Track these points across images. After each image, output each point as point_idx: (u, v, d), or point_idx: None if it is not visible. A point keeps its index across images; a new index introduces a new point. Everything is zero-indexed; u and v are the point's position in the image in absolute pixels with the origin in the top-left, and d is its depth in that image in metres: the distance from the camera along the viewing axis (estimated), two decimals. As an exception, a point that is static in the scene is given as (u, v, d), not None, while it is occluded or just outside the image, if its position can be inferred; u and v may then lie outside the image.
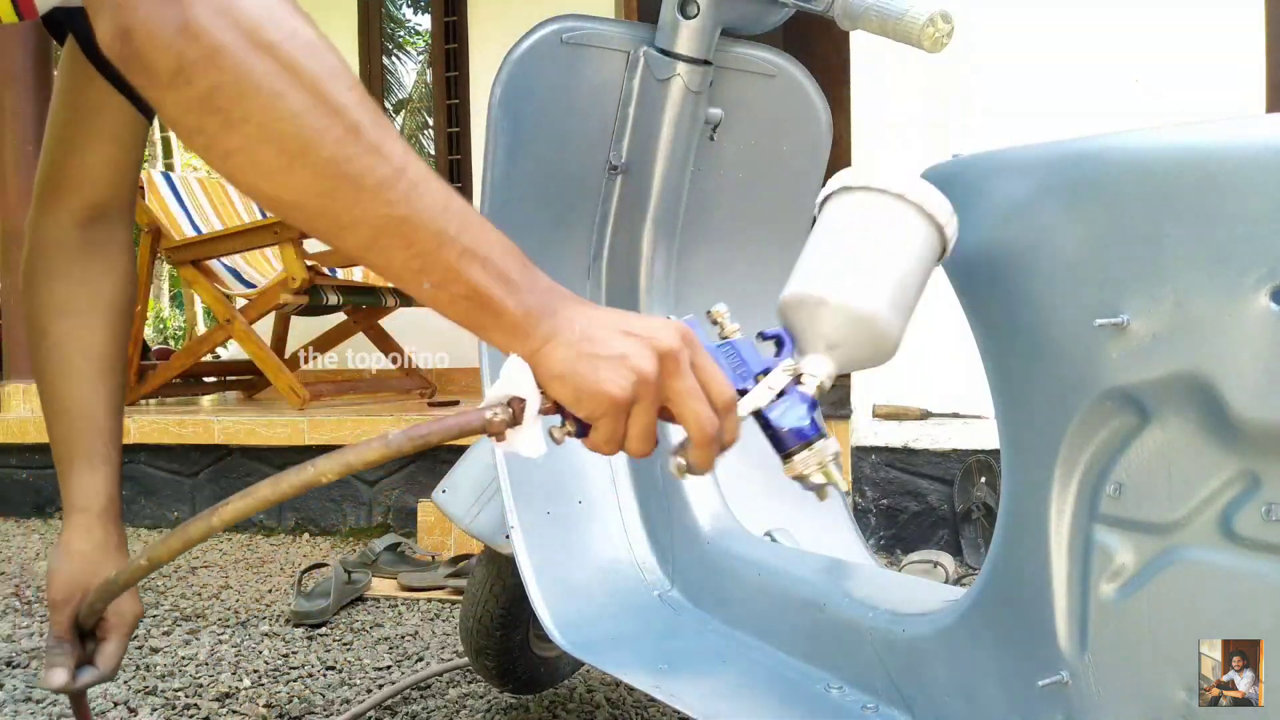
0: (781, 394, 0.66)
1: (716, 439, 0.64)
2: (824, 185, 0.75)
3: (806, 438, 0.66)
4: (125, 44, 0.50)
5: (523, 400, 0.59)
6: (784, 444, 0.67)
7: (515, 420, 0.59)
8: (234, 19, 0.50)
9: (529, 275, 0.59)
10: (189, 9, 0.50)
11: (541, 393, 0.60)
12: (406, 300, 4.09)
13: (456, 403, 3.69)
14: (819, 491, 0.68)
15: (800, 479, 0.68)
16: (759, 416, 0.67)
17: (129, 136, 0.93)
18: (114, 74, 0.84)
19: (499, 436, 0.60)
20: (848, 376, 2.89)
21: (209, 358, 4.61)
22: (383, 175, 0.54)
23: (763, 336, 0.69)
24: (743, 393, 0.65)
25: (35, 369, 0.94)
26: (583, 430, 0.61)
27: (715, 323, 0.68)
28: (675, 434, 0.67)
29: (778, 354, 0.68)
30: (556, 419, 0.61)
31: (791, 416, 0.66)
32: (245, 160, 0.53)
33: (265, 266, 4.06)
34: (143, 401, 3.99)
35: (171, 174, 4.08)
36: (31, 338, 0.94)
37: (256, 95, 0.51)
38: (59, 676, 0.84)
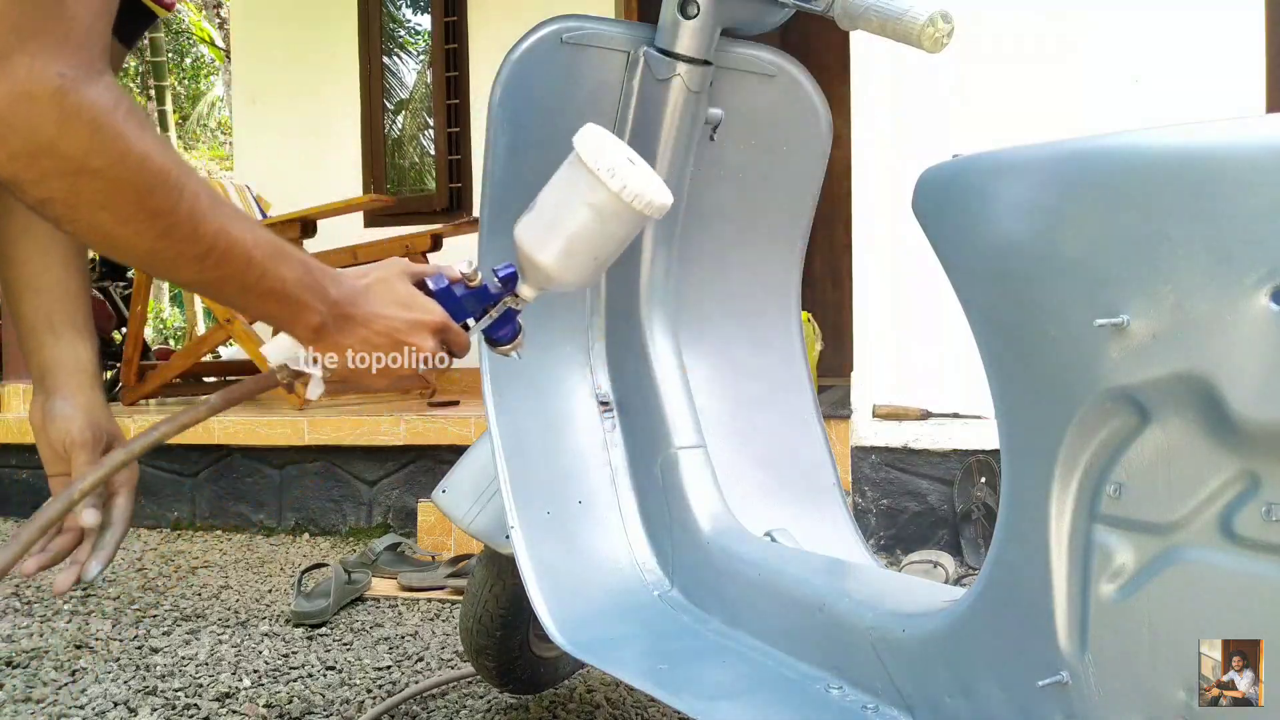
0: (502, 315, 0.93)
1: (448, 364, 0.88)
2: (820, 188, 0.76)
3: (508, 340, 0.95)
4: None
5: (306, 374, 0.82)
6: (495, 343, 0.95)
7: (298, 379, 0.82)
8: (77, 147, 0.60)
9: (316, 296, 0.77)
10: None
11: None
12: (406, 300, 4.08)
13: (456, 403, 3.69)
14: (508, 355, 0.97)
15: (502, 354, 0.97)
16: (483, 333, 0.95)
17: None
18: None
19: (288, 389, 0.84)
20: (847, 378, 2.90)
21: (209, 358, 4.61)
22: (196, 254, 0.68)
23: (497, 275, 0.91)
24: (478, 316, 0.91)
25: (3, 258, 0.94)
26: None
27: (467, 279, 0.89)
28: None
29: (505, 287, 0.92)
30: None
31: (504, 333, 0.94)
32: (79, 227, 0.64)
33: (265, 266, 4.05)
34: (143, 401, 3.99)
35: (171, 174, 4.07)
36: None
37: (83, 208, 0.62)
38: (92, 516, 0.87)
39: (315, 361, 0.82)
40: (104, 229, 0.63)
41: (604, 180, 0.85)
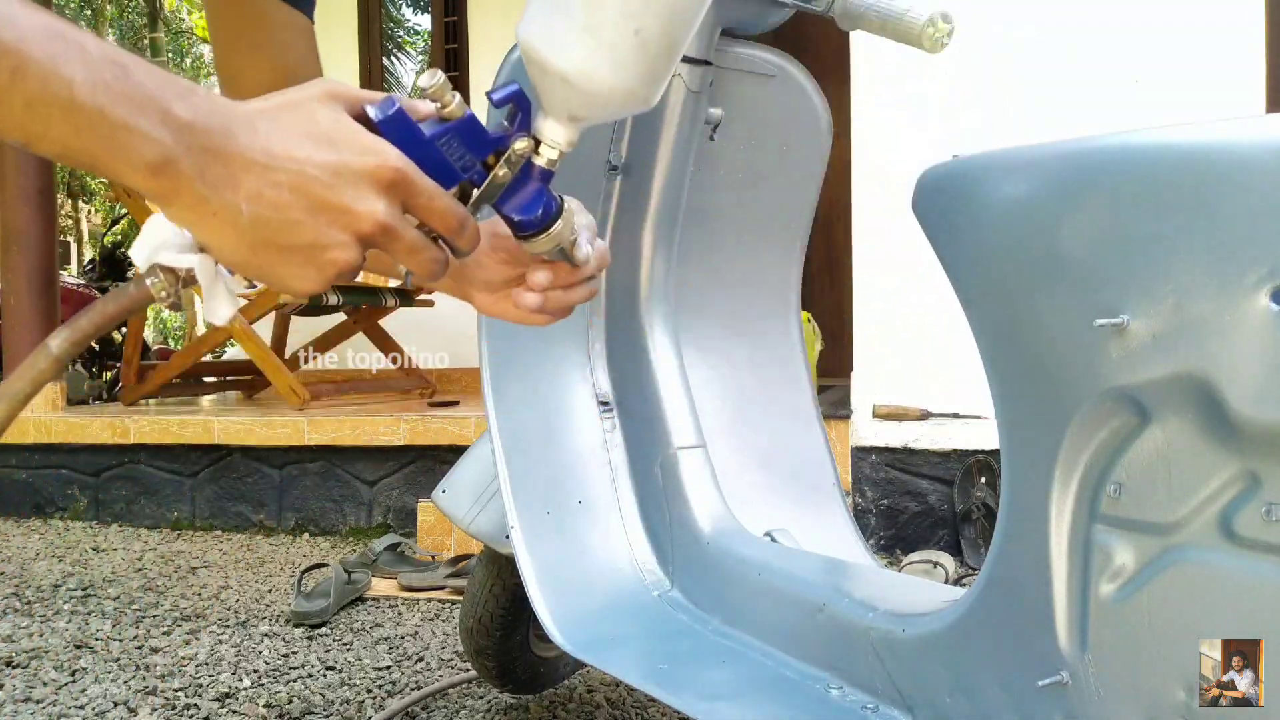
0: (519, 176, 0.58)
1: (447, 266, 0.56)
2: (821, 188, 0.75)
3: (542, 224, 0.60)
4: None
5: (187, 268, 0.51)
6: (520, 229, 0.60)
7: (184, 284, 0.51)
8: None
9: (142, 110, 0.45)
10: None
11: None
12: (406, 300, 4.09)
13: (456, 403, 3.69)
14: (559, 258, 0.63)
15: (542, 254, 0.63)
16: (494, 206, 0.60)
17: (297, 40, 0.86)
18: None
19: (173, 307, 0.52)
20: (847, 378, 2.89)
21: (209, 358, 4.61)
22: None
23: (494, 101, 0.57)
24: (472, 182, 0.57)
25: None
26: None
27: (434, 100, 0.55)
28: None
29: (512, 120, 0.57)
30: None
31: (528, 207, 0.59)
32: None
33: (265, 266, 4.05)
34: (143, 401, 3.99)
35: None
36: None
37: None
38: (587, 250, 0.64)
39: (210, 261, 0.50)
40: None
41: None
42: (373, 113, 0.53)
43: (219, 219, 0.47)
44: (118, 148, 0.44)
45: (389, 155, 0.51)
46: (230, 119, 0.48)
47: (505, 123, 0.57)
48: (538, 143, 0.58)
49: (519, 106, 0.57)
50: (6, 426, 0.49)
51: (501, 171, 0.57)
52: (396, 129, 0.53)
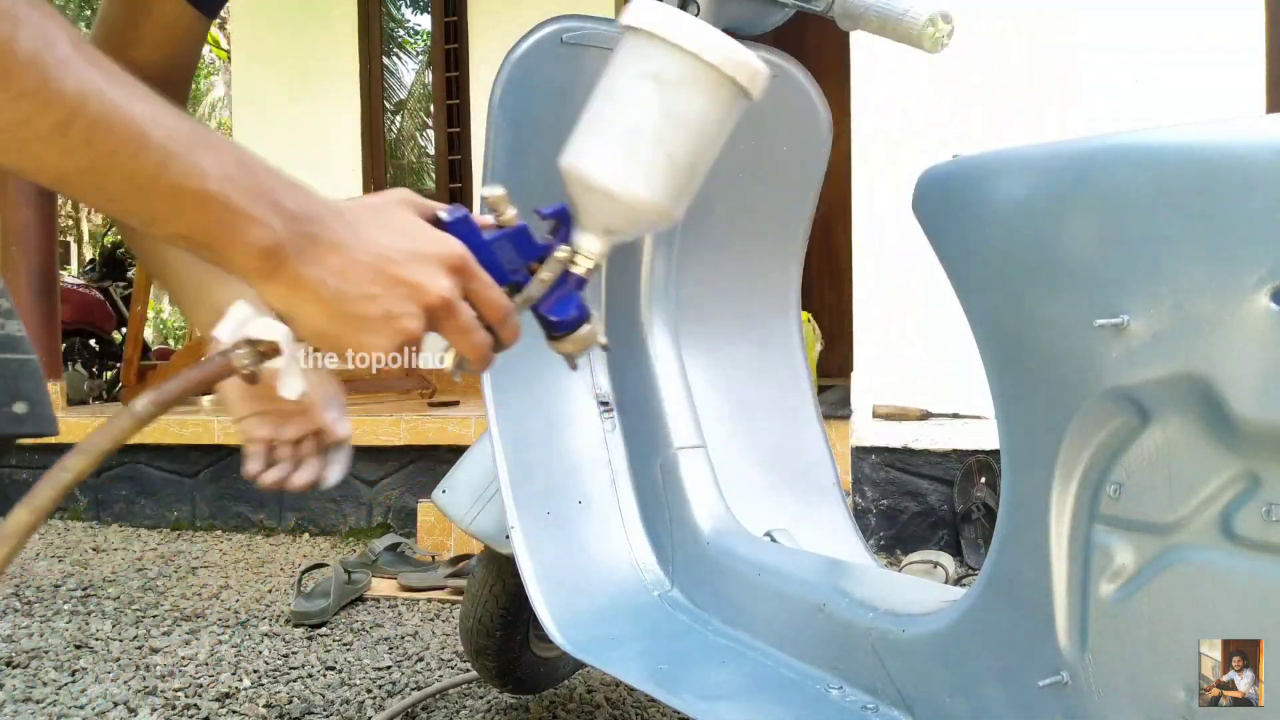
0: (556, 282, 0.66)
1: (492, 354, 0.62)
2: (820, 188, 0.75)
3: (573, 327, 0.67)
4: None
5: (270, 343, 0.57)
6: (552, 330, 0.68)
7: (264, 359, 0.57)
8: None
9: (260, 202, 0.52)
10: None
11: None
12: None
13: (456, 403, 3.69)
14: (570, 362, 0.71)
15: (565, 355, 0.70)
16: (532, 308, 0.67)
17: (186, 36, 0.87)
18: None
19: (250, 379, 0.57)
20: (847, 378, 2.89)
21: (209, 358, 4.59)
22: (52, 122, 0.46)
23: (541, 215, 0.66)
24: (518, 285, 0.65)
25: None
26: None
27: (492, 209, 0.64)
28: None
29: (555, 233, 0.67)
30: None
31: (561, 309, 0.66)
32: None
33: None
34: (143, 401, 3.99)
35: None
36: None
37: None
38: (347, 427, 0.80)
39: (292, 337, 0.57)
40: None
41: (671, 38, 0.62)
42: (443, 215, 0.61)
43: (308, 292, 0.54)
44: (237, 233, 0.51)
45: (454, 244, 0.59)
46: (324, 210, 0.55)
47: (549, 234, 0.67)
48: (575, 253, 0.66)
49: (562, 221, 0.67)
50: (83, 479, 0.54)
51: (544, 275, 0.65)
52: (461, 230, 0.61)
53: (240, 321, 0.57)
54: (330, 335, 0.56)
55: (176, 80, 0.88)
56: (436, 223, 0.60)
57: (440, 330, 0.59)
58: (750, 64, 0.63)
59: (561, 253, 0.65)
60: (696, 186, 0.66)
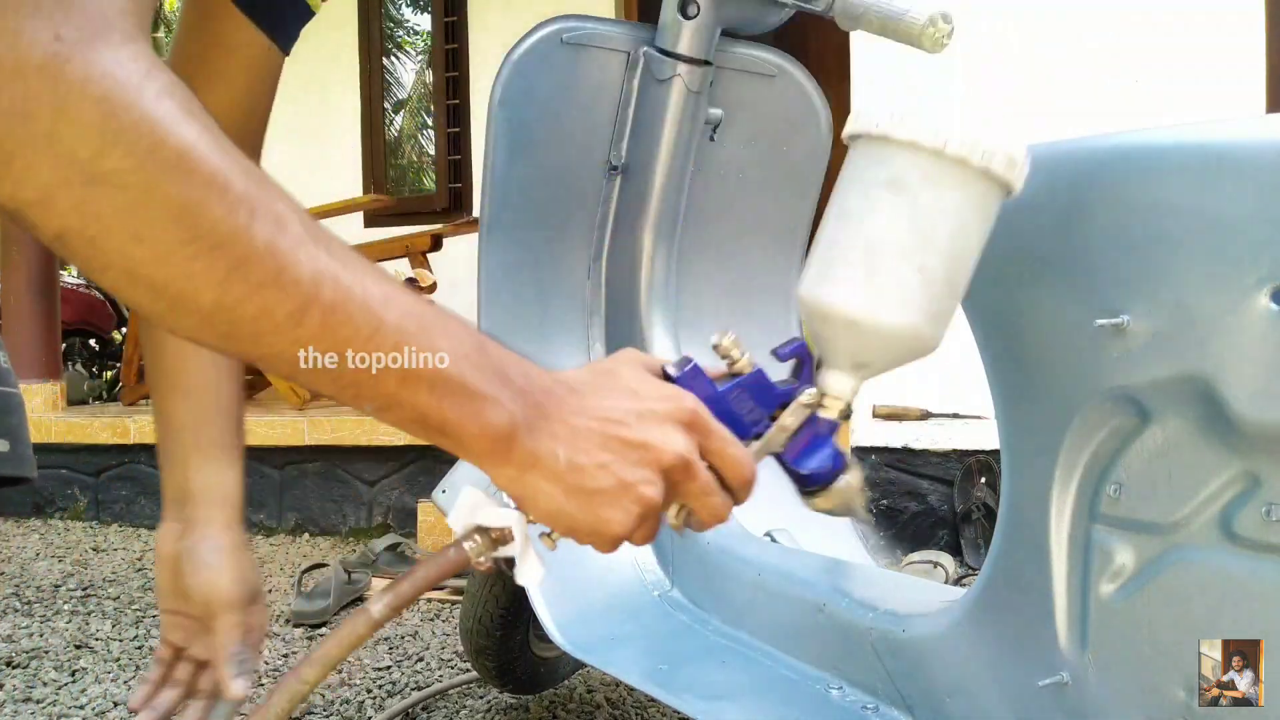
0: (804, 426, 0.59)
1: (728, 515, 0.58)
2: (820, 188, 0.75)
3: (827, 479, 0.61)
4: None
5: (501, 529, 0.54)
6: (804, 483, 0.61)
7: (497, 547, 0.54)
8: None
9: (495, 381, 0.49)
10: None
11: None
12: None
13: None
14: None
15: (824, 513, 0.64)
16: (777, 457, 0.60)
17: (263, 72, 0.85)
18: (247, 3, 0.77)
19: (486, 570, 0.54)
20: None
21: (209, 358, 4.59)
22: (288, 311, 0.44)
23: (779, 357, 0.60)
24: (757, 435, 0.59)
25: (147, 347, 0.82)
26: None
27: (724, 357, 0.59)
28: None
29: (797, 374, 0.60)
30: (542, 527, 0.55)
31: (810, 459, 0.60)
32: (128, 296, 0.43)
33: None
34: (143, 401, 3.99)
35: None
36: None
37: (109, 239, 0.40)
38: (242, 686, 0.74)
39: (524, 521, 0.53)
40: (143, 271, 0.41)
41: (904, 137, 0.56)
42: (671, 370, 0.56)
43: (539, 469, 0.51)
44: (473, 414, 0.48)
45: (686, 398, 0.54)
46: (552, 383, 0.52)
47: (789, 376, 0.60)
48: (823, 395, 0.59)
49: (803, 360, 0.60)
50: (321, 681, 0.52)
51: (787, 421, 0.58)
52: (692, 382, 0.56)
53: (471, 509, 0.54)
54: (565, 514, 0.52)
55: (255, 122, 0.85)
56: (665, 378, 0.56)
57: (677, 495, 0.55)
58: (1003, 151, 0.55)
59: (807, 398, 0.59)
60: (955, 305, 0.59)
